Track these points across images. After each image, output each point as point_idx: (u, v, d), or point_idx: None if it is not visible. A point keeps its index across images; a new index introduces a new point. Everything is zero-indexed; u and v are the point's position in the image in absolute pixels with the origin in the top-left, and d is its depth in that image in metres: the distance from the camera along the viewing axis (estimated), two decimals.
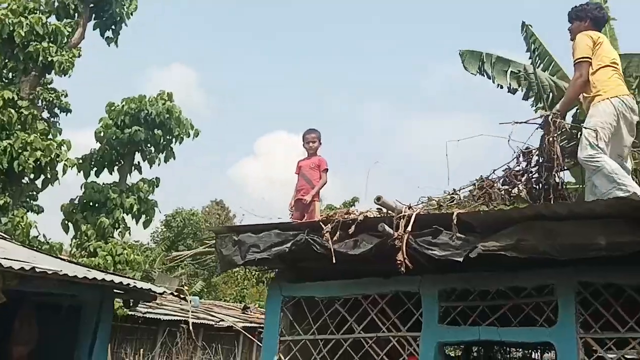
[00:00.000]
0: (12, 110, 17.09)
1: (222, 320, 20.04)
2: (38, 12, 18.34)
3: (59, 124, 21.98)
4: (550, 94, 10.94)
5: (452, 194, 5.94)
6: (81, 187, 19.64)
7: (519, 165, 5.78)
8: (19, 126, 17.18)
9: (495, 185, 5.77)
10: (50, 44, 17.98)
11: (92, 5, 20.74)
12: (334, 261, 5.22)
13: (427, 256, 4.89)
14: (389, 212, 5.31)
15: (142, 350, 18.71)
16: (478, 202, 5.63)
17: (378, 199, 5.27)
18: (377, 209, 5.56)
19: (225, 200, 45.05)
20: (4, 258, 8.23)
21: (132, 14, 21.19)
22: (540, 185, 5.62)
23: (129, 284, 9.86)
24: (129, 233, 19.93)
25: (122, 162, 20.32)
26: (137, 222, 19.71)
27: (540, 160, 5.61)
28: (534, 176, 5.68)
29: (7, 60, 18.21)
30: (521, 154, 5.75)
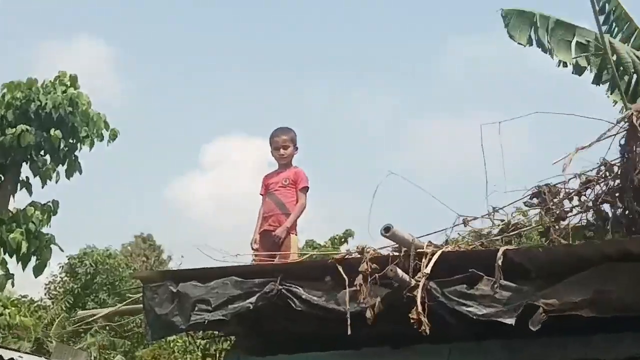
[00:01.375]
0: None
1: None
2: None
3: None
4: (634, 76, 10.89)
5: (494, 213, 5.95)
6: None
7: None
8: None
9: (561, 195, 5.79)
10: None
11: None
12: (325, 324, 5.20)
13: (460, 314, 4.90)
14: (403, 249, 5.30)
15: None
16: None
17: (386, 229, 5.27)
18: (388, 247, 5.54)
19: (155, 235, 44.52)
20: None
21: None
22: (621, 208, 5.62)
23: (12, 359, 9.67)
24: (12, 283, 19.70)
25: (2, 178, 20.14)
26: (24, 267, 19.49)
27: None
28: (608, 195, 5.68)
29: None
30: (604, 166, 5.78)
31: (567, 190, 5.93)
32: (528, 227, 5.98)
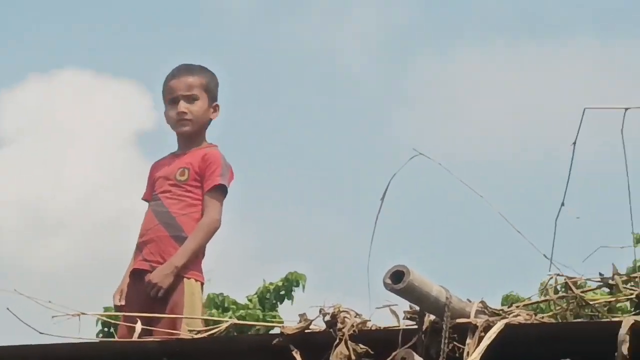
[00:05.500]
0: None
1: None
2: None
3: None
4: None
5: None
6: None
7: None
8: None
9: None
10: None
11: None
12: None
13: None
14: (428, 315, 3.65)
15: None
16: None
17: (396, 277, 3.54)
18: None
19: None
20: None
21: None
22: None
23: None
24: None
25: None
26: None
27: None
28: None
29: None
30: None
31: None
32: None
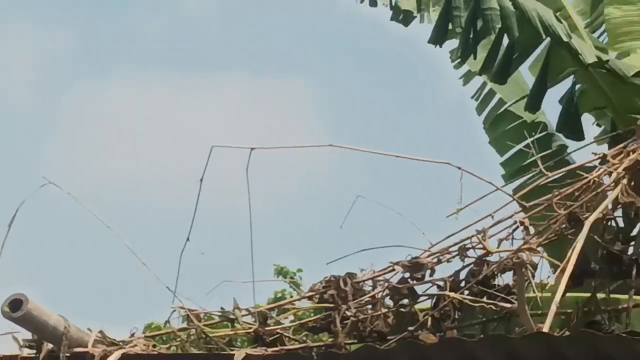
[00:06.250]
0: None
1: None
2: None
3: None
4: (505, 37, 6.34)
5: None
6: None
7: None
8: None
9: None
10: None
11: None
12: None
13: None
14: (46, 345, 3.66)
15: None
16: None
17: (14, 306, 3.51)
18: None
19: None
20: None
21: None
22: None
23: None
24: None
25: None
26: None
27: None
28: None
29: None
30: None
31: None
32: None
